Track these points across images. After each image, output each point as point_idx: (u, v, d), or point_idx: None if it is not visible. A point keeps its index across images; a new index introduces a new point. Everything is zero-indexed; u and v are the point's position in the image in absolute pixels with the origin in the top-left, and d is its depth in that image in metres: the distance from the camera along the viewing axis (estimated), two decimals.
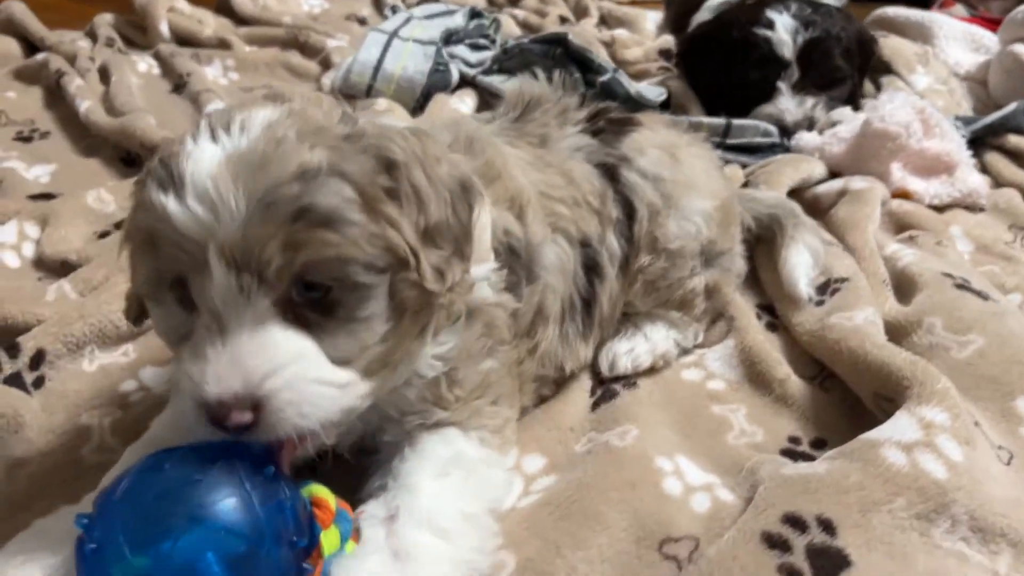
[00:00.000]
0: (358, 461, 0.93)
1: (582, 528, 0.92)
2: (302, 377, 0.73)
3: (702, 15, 2.32)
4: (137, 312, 0.87)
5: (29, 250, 1.38)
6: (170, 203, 0.71)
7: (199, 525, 0.70)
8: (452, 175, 0.84)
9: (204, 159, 0.72)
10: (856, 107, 1.99)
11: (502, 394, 0.98)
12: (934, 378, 1.02)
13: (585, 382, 1.18)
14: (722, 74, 2.00)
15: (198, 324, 0.74)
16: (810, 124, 1.93)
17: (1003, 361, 1.14)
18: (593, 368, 1.20)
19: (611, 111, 1.25)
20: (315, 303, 0.75)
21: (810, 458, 1.06)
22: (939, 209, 1.69)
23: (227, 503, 0.72)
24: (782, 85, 1.95)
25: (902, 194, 1.69)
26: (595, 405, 1.13)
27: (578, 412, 1.12)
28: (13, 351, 1.08)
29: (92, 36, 2.31)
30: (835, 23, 1.99)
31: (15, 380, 1.06)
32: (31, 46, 2.23)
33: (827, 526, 0.88)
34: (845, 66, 2.00)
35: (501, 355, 0.97)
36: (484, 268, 0.93)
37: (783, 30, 1.94)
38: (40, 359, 1.09)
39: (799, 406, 1.16)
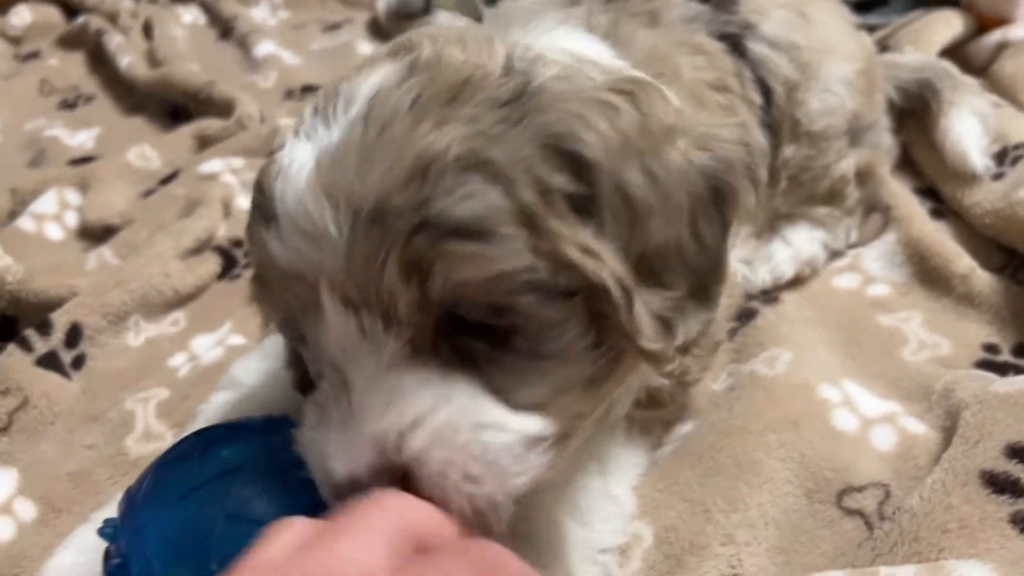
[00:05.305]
0: None
1: (736, 484, 0.72)
2: (461, 424, 0.52)
3: None
4: (303, 380, 0.68)
5: (72, 219, 1.24)
6: (270, 239, 0.53)
7: (241, 524, 0.54)
8: (695, 164, 0.57)
9: (296, 169, 0.53)
10: None
11: None
12: None
13: None
14: None
15: (320, 381, 0.57)
16: None
17: None
18: None
19: None
20: (482, 330, 0.53)
21: (1019, 369, 0.84)
22: None
23: (274, 494, 0.56)
24: None
25: None
26: (731, 330, 0.92)
27: None
28: (45, 328, 0.94)
29: None
30: None
31: (50, 361, 0.92)
32: (72, 12, 2.09)
33: None
34: None
35: None
36: None
37: None
38: (77, 335, 0.95)
39: (990, 305, 0.93)
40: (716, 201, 0.57)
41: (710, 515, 0.70)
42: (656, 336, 0.55)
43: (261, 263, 0.57)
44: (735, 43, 0.91)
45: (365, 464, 0.50)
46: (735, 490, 0.71)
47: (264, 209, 0.54)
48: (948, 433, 0.74)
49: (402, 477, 0.50)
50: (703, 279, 0.58)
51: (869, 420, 0.78)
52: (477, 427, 0.52)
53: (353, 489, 0.50)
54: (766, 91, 0.92)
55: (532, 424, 0.53)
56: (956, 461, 0.69)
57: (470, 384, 0.53)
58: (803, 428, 0.76)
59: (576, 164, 0.52)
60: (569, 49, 0.61)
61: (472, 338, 0.53)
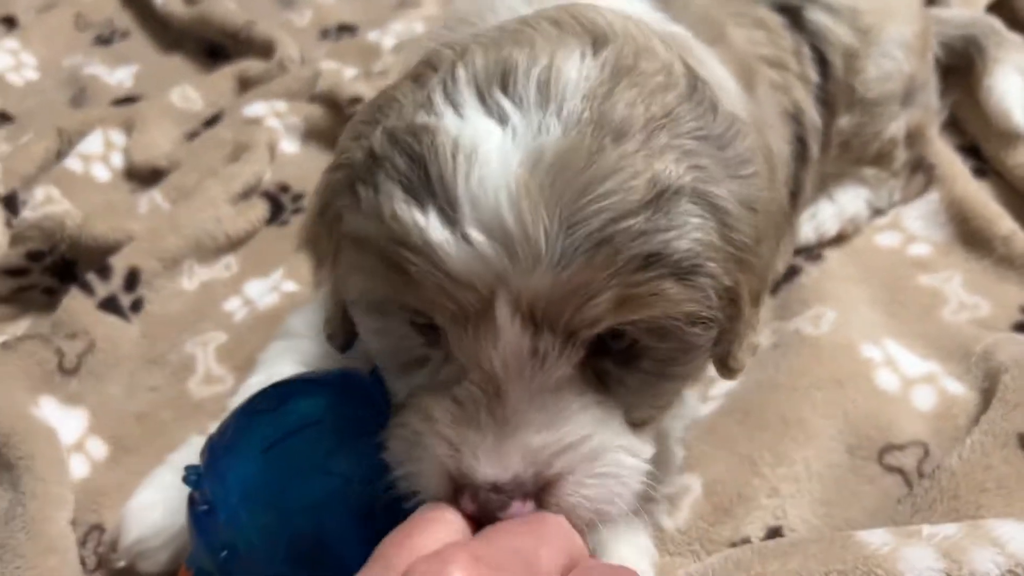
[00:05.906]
0: None
1: (782, 439, 0.75)
2: (608, 447, 0.53)
3: None
4: (345, 337, 0.65)
5: (118, 160, 1.25)
6: (435, 230, 0.47)
7: (322, 476, 0.57)
8: (780, 204, 0.62)
9: (492, 158, 0.46)
10: None
11: None
12: None
13: None
14: None
15: (461, 377, 0.52)
16: None
17: None
18: None
19: None
20: (620, 352, 0.53)
21: None
22: None
23: (353, 449, 0.58)
24: None
25: None
26: (774, 287, 0.94)
27: None
28: (105, 272, 0.97)
29: None
30: None
31: (111, 304, 0.95)
32: None
33: None
34: None
35: None
36: None
37: None
38: (135, 279, 0.97)
39: None
40: (784, 222, 0.63)
41: (756, 468, 0.73)
42: (748, 353, 0.60)
43: (393, 249, 0.49)
44: (794, 15, 0.90)
45: (512, 472, 0.50)
46: (781, 445, 0.74)
47: (421, 187, 0.48)
48: (987, 395, 0.76)
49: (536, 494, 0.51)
50: (762, 290, 0.60)
51: (910, 380, 0.81)
52: (619, 449, 0.53)
53: (492, 498, 0.50)
54: (823, 65, 0.92)
55: (645, 447, 0.56)
56: (995, 423, 0.71)
57: (611, 408, 0.54)
58: (847, 387, 0.79)
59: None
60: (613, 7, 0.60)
61: (611, 360, 0.53)
